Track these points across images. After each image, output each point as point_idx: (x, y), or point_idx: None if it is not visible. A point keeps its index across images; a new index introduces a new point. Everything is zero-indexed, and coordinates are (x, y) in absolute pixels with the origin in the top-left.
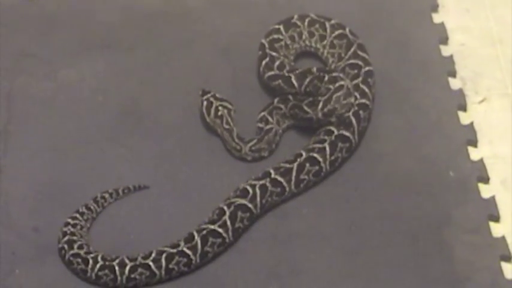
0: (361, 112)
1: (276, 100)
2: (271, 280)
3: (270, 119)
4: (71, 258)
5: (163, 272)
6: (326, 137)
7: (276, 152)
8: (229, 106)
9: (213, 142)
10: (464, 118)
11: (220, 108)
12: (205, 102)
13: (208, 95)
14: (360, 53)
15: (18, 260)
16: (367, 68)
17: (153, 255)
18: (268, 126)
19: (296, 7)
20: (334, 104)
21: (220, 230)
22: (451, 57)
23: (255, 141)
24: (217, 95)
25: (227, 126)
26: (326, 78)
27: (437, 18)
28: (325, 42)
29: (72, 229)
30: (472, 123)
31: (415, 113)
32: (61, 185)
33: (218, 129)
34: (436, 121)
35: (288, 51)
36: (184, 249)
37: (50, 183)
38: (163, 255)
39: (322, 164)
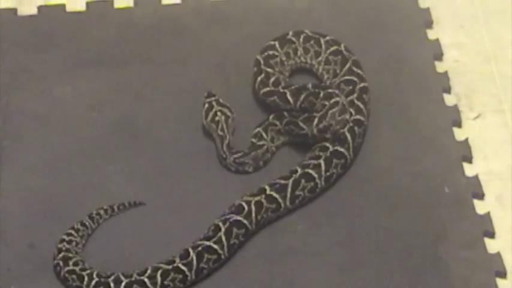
0: (356, 128)
1: (271, 116)
2: None
3: (264, 135)
4: (66, 275)
5: None
6: (321, 153)
7: (271, 168)
8: (229, 113)
9: (208, 158)
10: (459, 134)
11: (218, 113)
12: (206, 105)
13: (212, 98)
14: (355, 69)
15: (14, 276)
16: (362, 84)
17: (149, 271)
18: (260, 143)
19: (291, 23)
20: (329, 120)
21: (215, 246)
22: (445, 73)
23: (240, 154)
24: (220, 100)
25: (221, 133)
26: (321, 94)
27: (431, 34)
28: (320, 58)
29: (67, 246)
30: (466, 140)
31: (410, 129)
32: (56, 201)
33: (213, 133)
34: (431, 137)
35: (283, 68)
36: (180, 265)
37: (45, 200)
38: (159, 272)
39: (318, 180)
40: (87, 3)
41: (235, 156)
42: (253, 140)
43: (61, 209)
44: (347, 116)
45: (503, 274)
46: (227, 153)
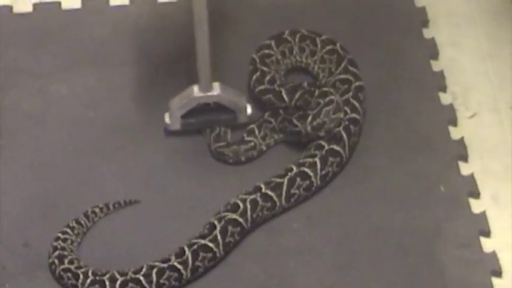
0: (351, 127)
1: (266, 114)
2: None
3: (256, 132)
4: (62, 273)
5: (154, 287)
6: (317, 152)
7: (266, 166)
8: None
9: (203, 157)
10: (455, 133)
11: None
12: None
13: None
14: (350, 68)
15: (9, 274)
16: (357, 83)
17: (144, 270)
18: (248, 138)
19: (287, 23)
20: (323, 118)
21: (211, 244)
22: (441, 72)
23: (222, 144)
24: None
25: None
26: (316, 92)
27: (427, 33)
28: (315, 57)
29: (62, 244)
30: (462, 138)
31: (405, 128)
32: (51, 199)
33: None
34: (426, 136)
35: (279, 67)
36: (175, 264)
37: (41, 198)
38: (154, 270)
39: (313, 179)
40: (83, 1)
41: (217, 145)
42: (244, 135)
43: (56, 207)
44: (341, 115)
45: (498, 273)
46: (212, 141)
